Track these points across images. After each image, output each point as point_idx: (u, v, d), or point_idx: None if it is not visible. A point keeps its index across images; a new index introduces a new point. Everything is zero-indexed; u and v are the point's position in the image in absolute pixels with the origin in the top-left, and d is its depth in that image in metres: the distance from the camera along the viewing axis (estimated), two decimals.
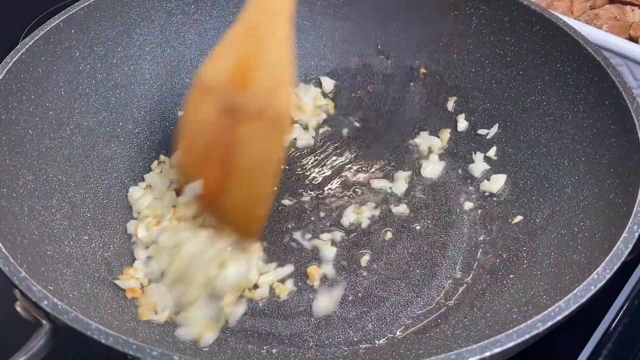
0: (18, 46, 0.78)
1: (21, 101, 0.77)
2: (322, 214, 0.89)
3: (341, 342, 0.74)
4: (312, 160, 0.97)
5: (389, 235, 0.86)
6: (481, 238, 0.85)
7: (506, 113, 0.93)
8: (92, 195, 0.84)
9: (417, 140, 0.99)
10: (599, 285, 0.59)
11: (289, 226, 0.87)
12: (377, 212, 0.89)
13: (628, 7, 1.08)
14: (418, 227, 0.87)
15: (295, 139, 1.00)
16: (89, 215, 0.82)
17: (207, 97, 0.73)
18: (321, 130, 1.02)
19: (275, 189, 0.84)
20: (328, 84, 1.05)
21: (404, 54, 1.03)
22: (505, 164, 0.92)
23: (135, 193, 0.87)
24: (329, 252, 0.83)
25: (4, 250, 0.60)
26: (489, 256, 0.83)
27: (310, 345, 0.73)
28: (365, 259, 0.83)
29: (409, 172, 0.95)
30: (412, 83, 1.03)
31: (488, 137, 0.95)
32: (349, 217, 0.88)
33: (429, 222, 0.88)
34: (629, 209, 0.65)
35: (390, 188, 0.93)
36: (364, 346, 0.73)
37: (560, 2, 1.08)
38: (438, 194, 0.92)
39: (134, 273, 0.78)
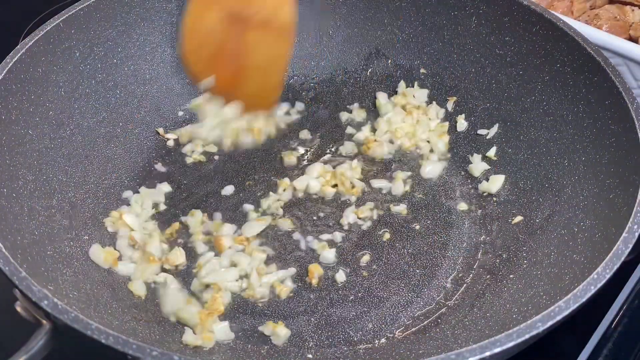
0: (18, 46, 0.78)
1: (21, 101, 0.77)
2: (321, 214, 0.89)
3: (341, 342, 0.74)
4: (309, 158, 0.97)
5: (388, 235, 0.86)
6: (481, 238, 0.85)
7: (506, 113, 0.93)
8: (92, 195, 0.84)
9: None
10: (599, 285, 0.59)
11: (289, 227, 0.87)
12: (376, 212, 0.89)
13: (628, 7, 1.08)
14: (418, 227, 0.87)
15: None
16: (89, 215, 0.82)
17: (211, 7, 0.79)
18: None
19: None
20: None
21: (403, 54, 1.03)
22: (505, 164, 0.92)
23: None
24: (329, 252, 0.83)
25: (4, 250, 0.60)
26: (489, 256, 0.83)
27: (310, 345, 0.73)
28: (365, 259, 0.83)
29: (409, 173, 0.95)
30: (411, 83, 1.03)
31: (488, 137, 0.95)
32: (348, 217, 0.88)
33: (428, 222, 0.88)
34: (629, 209, 0.65)
35: (390, 188, 0.93)
36: (363, 346, 0.73)
37: (560, 2, 1.08)
38: (438, 194, 0.92)
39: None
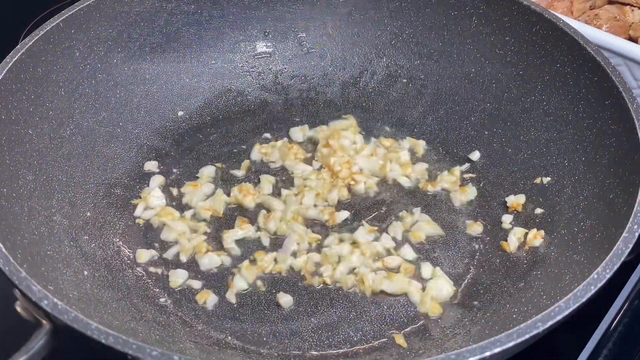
0: (18, 46, 0.78)
1: (21, 101, 0.77)
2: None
3: (341, 342, 0.74)
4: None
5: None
6: (480, 238, 0.85)
7: (506, 113, 0.93)
8: (92, 195, 0.84)
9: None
10: (599, 285, 0.59)
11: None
12: (376, 212, 0.89)
13: (628, 8, 1.08)
14: None
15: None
16: (89, 215, 0.82)
17: None
18: None
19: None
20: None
21: (404, 54, 1.03)
22: (505, 164, 0.91)
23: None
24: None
25: (4, 250, 0.60)
26: (488, 256, 0.83)
27: (310, 345, 0.73)
28: None
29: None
30: (411, 83, 1.03)
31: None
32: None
33: None
34: (629, 209, 0.65)
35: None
36: (363, 346, 0.73)
37: (560, 3, 1.08)
38: (438, 194, 0.92)
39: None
